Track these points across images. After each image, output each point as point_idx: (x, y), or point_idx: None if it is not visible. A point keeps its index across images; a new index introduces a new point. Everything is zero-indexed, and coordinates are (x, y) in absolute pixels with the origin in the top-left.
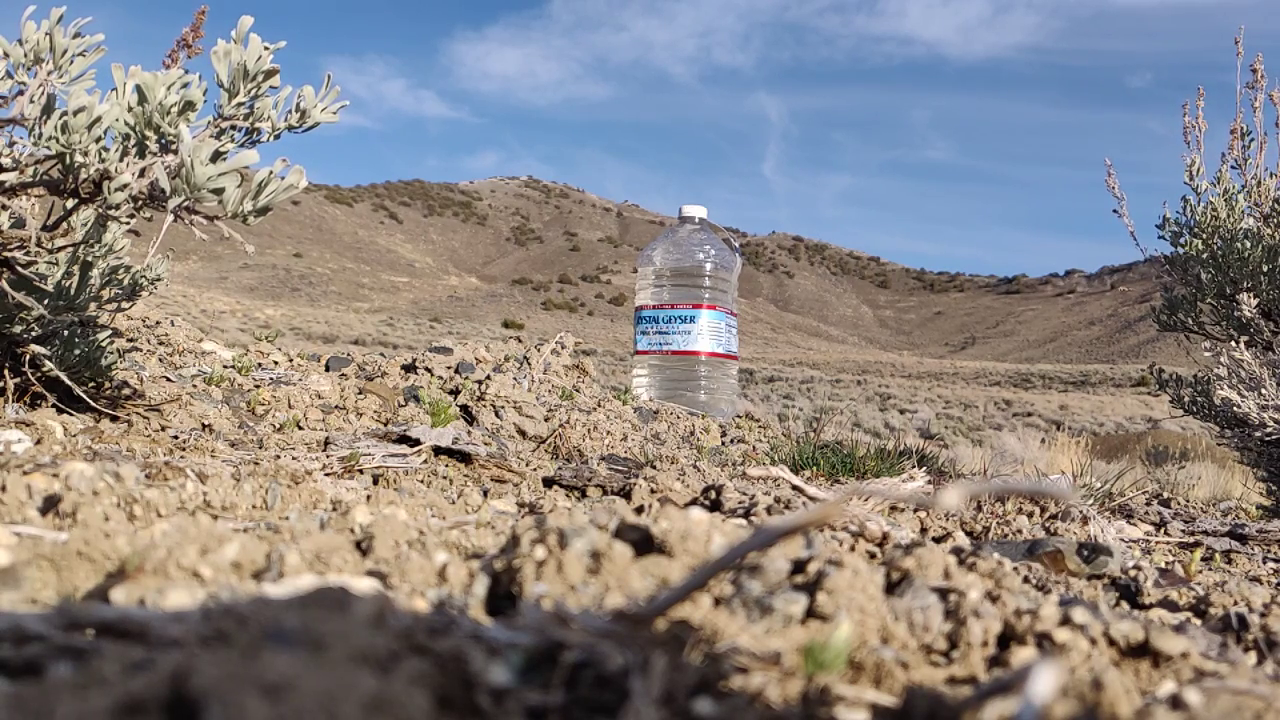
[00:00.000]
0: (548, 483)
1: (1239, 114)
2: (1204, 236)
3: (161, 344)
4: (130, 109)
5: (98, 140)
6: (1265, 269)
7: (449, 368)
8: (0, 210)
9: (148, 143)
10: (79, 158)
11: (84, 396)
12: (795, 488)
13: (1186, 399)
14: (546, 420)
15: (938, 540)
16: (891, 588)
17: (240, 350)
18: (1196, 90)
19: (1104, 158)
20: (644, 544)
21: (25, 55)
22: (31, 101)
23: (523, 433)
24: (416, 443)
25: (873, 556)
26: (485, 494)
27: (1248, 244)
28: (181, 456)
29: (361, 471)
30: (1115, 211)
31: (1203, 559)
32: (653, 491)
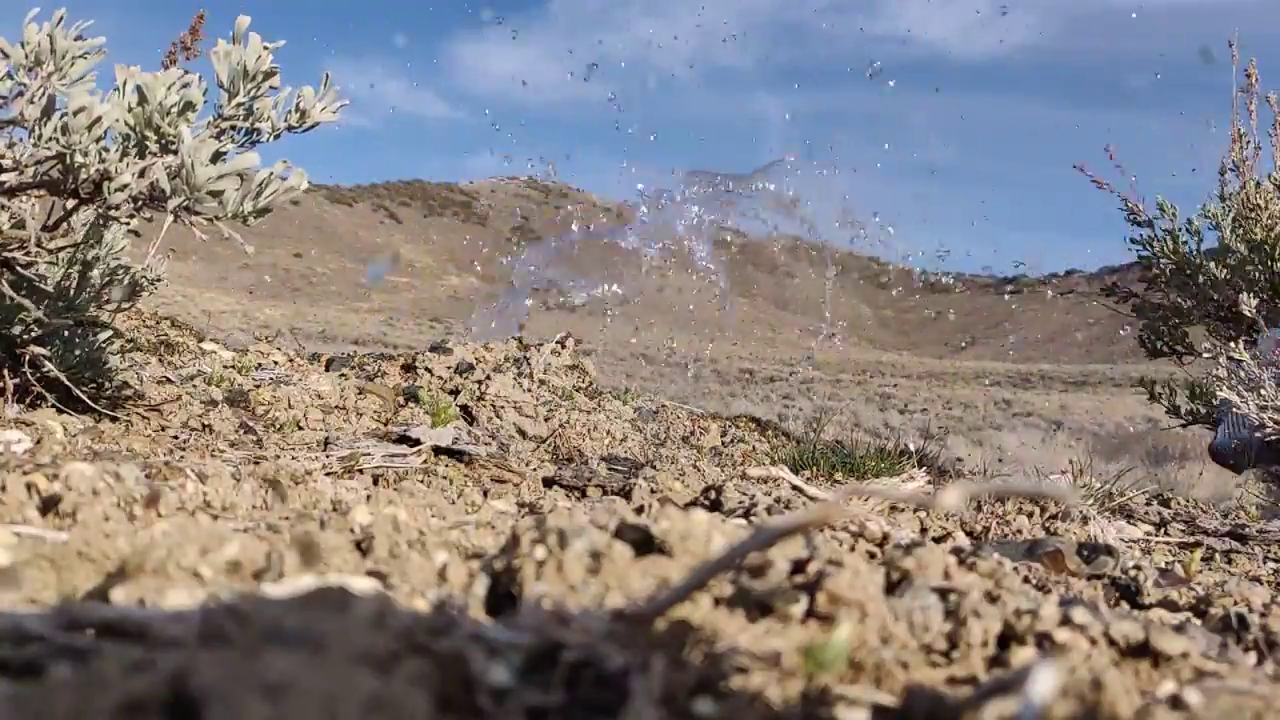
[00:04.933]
0: (548, 483)
1: (1235, 118)
2: (1169, 263)
3: (162, 344)
4: (130, 109)
5: (98, 141)
6: (1240, 279)
7: (449, 368)
8: (0, 210)
9: (148, 143)
10: (79, 158)
11: (84, 397)
12: (795, 488)
13: (1183, 409)
14: (546, 420)
15: (938, 540)
16: (891, 588)
17: (240, 350)
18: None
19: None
20: (644, 544)
21: (26, 57)
22: (32, 102)
23: (523, 433)
24: (416, 443)
25: (873, 556)
26: (485, 494)
27: (1213, 265)
28: (181, 456)
29: (361, 471)
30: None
31: (1203, 559)
32: (653, 491)
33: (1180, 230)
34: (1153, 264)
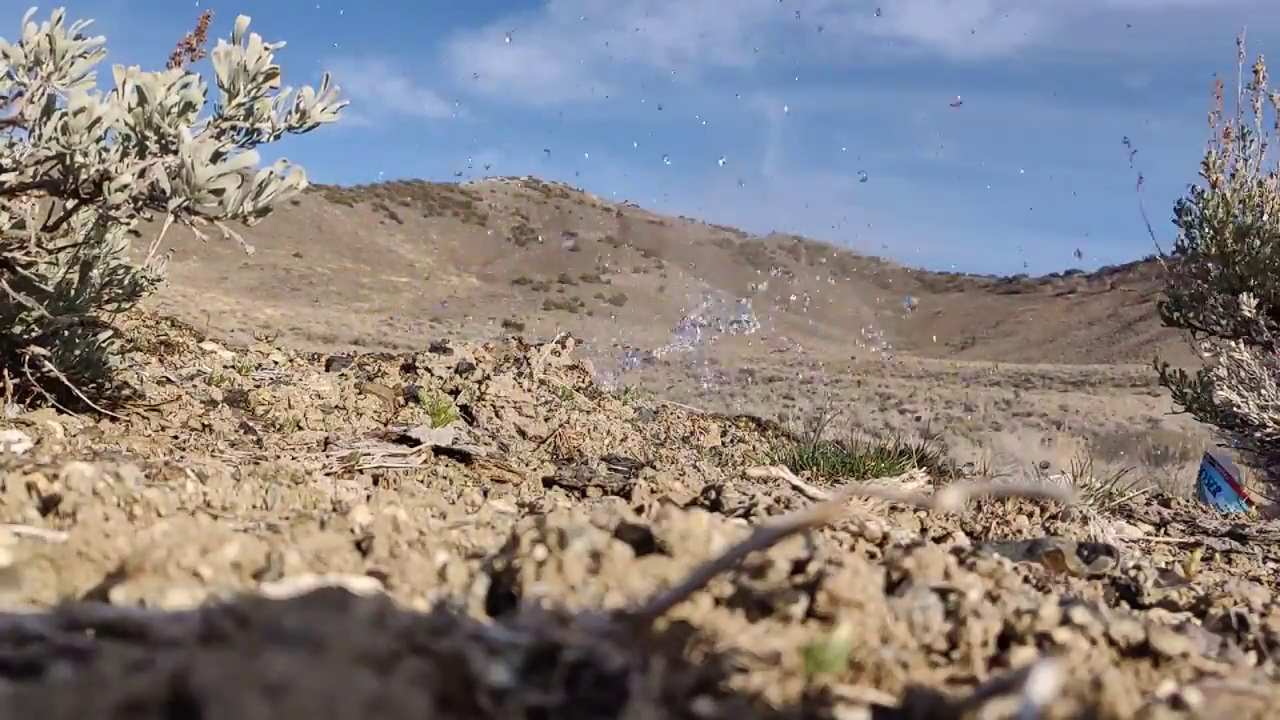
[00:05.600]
0: (548, 483)
1: (1239, 115)
2: (1215, 228)
3: (162, 344)
4: (130, 109)
5: (98, 141)
6: (1276, 265)
7: (449, 368)
8: (0, 210)
9: (148, 143)
10: (79, 158)
11: (84, 397)
12: (795, 488)
13: (1189, 396)
14: (546, 420)
15: (938, 540)
16: (891, 588)
17: (240, 350)
18: (1213, 85)
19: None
20: (644, 544)
21: (26, 56)
22: (32, 102)
23: (523, 433)
24: (416, 443)
25: (873, 556)
26: (485, 494)
27: (1257, 241)
28: (181, 456)
29: (361, 471)
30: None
31: (1203, 559)
32: (653, 491)
33: (1240, 201)
34: (1194, 230)
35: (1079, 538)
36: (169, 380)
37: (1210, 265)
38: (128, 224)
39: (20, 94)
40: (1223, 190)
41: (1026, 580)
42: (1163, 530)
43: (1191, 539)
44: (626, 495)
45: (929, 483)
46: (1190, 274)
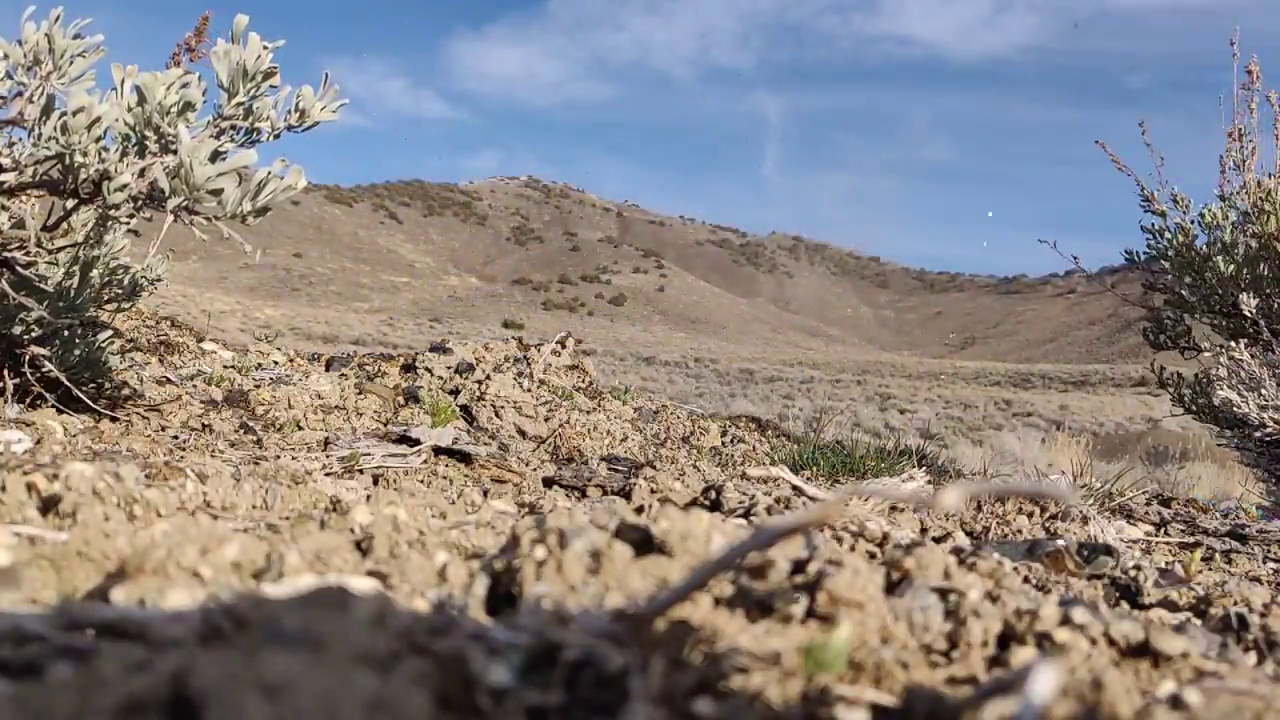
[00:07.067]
0: (548, 483)
1: (1236, 116)
2: (1180, 250)
3: (162, 344)
4: (130, 109)
5: (97, 140)
6: (1248, 276)
7: (449, 368)
8: (0, 210)
9: (147, 143)
10: (79, 158)
11: (84, 397)
12: (795, 488)
13: (1187, 398)
14: (546, 420)
15: (938, 540)
16: (891, 588)
17: (240, 350)
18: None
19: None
20: (644, 544)
21: (25, 56)
22: (31, 102)
23: (523, 433)
24: (416, 443)
25: (873, 556)
26: (485, 494)
27: (1220, 260)
28: (181, 456)
29: (361, 471)
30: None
31: (1203, 559)
32: (653, 491)
33: (1191, 223)
34: (1161, 254)
35: (1079, 538)
36: (169, 380)
37: (1184, 290)
38: (127, 224)
39: (19, 93)
40: (1176, 219)
41: (1026, 580)
42: (1163, 530)
43: (1191, 539)
44: (626, 495)
45: (929, 483)
46: (1163, 303)
